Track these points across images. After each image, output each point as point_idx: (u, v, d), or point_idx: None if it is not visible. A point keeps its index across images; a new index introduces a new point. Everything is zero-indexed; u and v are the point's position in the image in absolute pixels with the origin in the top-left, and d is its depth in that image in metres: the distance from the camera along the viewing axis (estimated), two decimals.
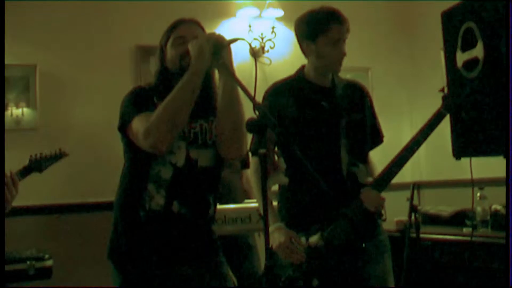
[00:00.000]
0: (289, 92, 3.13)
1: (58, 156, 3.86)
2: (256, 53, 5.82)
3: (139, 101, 2.58)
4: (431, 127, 2.96)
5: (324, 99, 3.10)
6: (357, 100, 3.19)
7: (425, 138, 2.98)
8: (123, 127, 2.56)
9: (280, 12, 5.87)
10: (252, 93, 2.23)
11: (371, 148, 3.23)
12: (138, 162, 2.58)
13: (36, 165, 3.73)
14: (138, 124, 2.47)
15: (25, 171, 3.67)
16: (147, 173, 2.54)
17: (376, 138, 3.24)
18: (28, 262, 4.16)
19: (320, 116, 3.08)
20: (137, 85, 2.71)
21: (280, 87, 3.18)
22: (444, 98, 2.93)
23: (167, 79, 2.63)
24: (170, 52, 2.64)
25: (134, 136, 2.50)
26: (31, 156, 3.72)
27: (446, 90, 2.93)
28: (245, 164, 4.34)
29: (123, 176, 2.67)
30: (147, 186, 2.53)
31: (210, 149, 2.64)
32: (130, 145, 2.58)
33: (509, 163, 2.61)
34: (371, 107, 3.25)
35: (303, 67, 3.19)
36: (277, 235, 2.94)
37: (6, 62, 5.03)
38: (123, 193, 2.65)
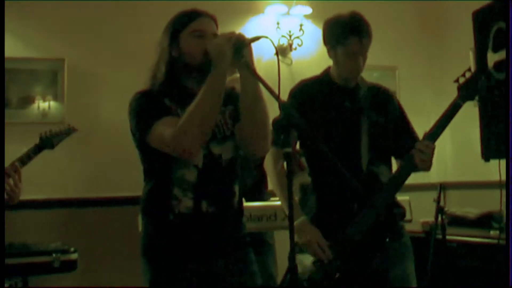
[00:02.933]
0: (314, 91, 3.13)
1: (68, 132, 3.88)
2: (283, 51, 5.83)
3: (152, 106, 2.50)
4: (447, 119, 2.94)
5: (347, 100, 3.10)
6: (380, 102, 3.16)
7: (441, 130, 2.95)
8: (144, 137, 2.47)
9: (308, 10, 5.85)
10: (277, 92, 2.20)
11: (408, 150, 3.17)
12: (160, 168, 2.53)
13: (47, 142, 3.76)
14: (162, 131, 2.40)
15: (37, 149, 3.70)
16: (171, 178, 2.50)
17: (411, 140, 3.20)
18: (53, 255, 4.18)
19: (342, 116, 3.07)
20: (141, 89, 2.59)
21: (306, 85, 3.18)
22: (460, 88, 2.90)
23: (176, 73, 2.55)
24: (188, 44, 2.54)
25: (158, 143, 2.43)
26: (41, 133, 3.74)
27: (460, 81, 2.89)
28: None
29: (146, 182, 2.63)
30: (172, 191, 2.50)
31: (230, 141, 2.60)
32: (149, 153, 2.52)
33: (510, 165, 2.58)
34: (401, 110, 3.22)
35: (329, 67, 3.19)
36: (303, 232, 2.93)
37: (34, 55, 5.10)
38: (148, 200, 2.61)
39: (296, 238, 2.91)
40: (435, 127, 2.96)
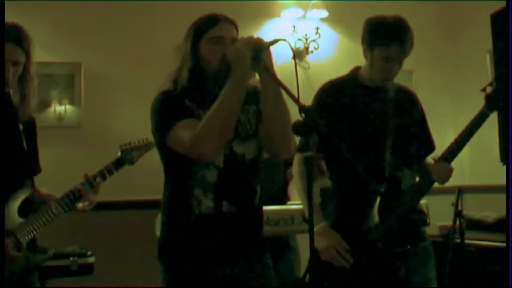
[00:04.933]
0: (342, 92, 3.11)
1: (148, 147, 3.73)
2: (299, 55, 5.83)
3: (173, 108, 2.50)
4: (474, 128, 2.93)
5: (375, 100, 3.08)
6: (407, 106, 3.15)
7: (467, 139, 2.95)
8: (163, 138, 2.48)
9: (324, 13, 5.84)
10: (296, 95, 2.20)
11: (424, 156, 3.18)
12: (181, 169, 2.53)
13: (127, 157, 3.64)
14: (181, 133, 2.40)
15: (119, 164, 3.59)
16: (191, 178, 2.50)
17: (428, 146, 3.20)
18: (71, 258, 4.20)
19: (369, 117, 3.05)
20: (163, 90, 2.58)
21: (334, 86, 3.16)
22: (487, 98, 2.88)
23: (199, 78, 2.55)
24: (206, 51, 2.54)
25: (177, 145, 2.44)
26: (121, 146, 3.63)
27: (488, 90, 2.88)
28: (289, 163, 4.31)
29: (167, 183, 2.63)
30: (193, 191, 2.50)
31: (253, 140, 2.60)
32: (170, 154, 2.52)
33: (510, 168, 2.56)
34: (423, 115, 3.22)
35: (358, 68, 3.16)
36: (323, 238, 2.92)
37: (51, 59, 5.11)
38: (169, 200, 2.61)
39: (315, 244, 2.92)
40: (461, 137, 2.97)
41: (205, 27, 2.57)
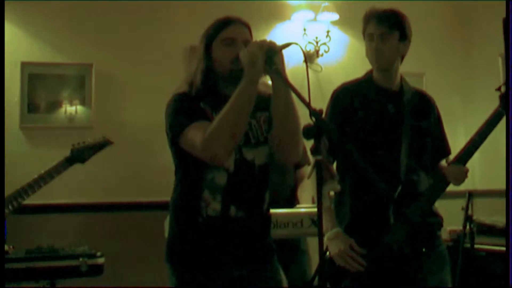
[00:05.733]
0: (357, 94, 3.11)
1: (103, 145, 3.70)
2: (309, 58, 5.82)
3: (187, 109, 2.52)
4: (489, 127, 2.93)
5: (391, 103, 3.08)
6: (424, 109, 3.15)
7: (483, 139, 2.95)
8: (176, 138, 2.51)
9: (335, 16, 5.84)
10: (307, 99, 2.20)
11: (438, 160, 3.18)
12: (192, 170, 2.55)
13: (78, 156, 3.60)
14: (193, 135, 2.42)
15: (68, 163, 3.56)
16: (201, 180, 2.51)
17: (443, 150, 3.20)
18: (80, 259, 4.20)
19: (384, 119, 3.05)
20: (179, 91, 2.62)
21: (349, 87, 3.17)
22: (502, 97, 2.88)
23: (213, 80, 2.57)
24: (218, 52, 2.57)
25: (190, 147, 2.45)
26: (73, 145, 3.60)
27: (503, 89, 2.87)
28: (298, 165, 4.32)
29: (177, 183, 2.65)
30: (202, 193, 2.51)
31: (264, 147, 2.61)
32: (182, 154, 2.54)
33: (510, 171, 2.55)
34: (439, 119, 3.21)
35: (371, 70, 3.17)
36: (336, 242, 2.92)
37: (62, 60, 5.14)
38: (178, 201, 2.63)
39: (329, 249, 2.91)
40: (476, 136, 2.96)
41: (218, 29, 2.59)
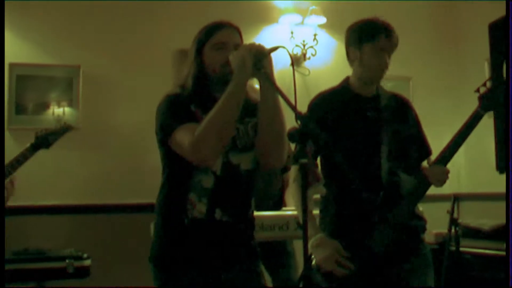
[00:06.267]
0: (334, 102, 3.12)
1: (64, 130, 3.88)
2: (296, 61, 5.84)
3: (178, 111, 2.53)
4: (469, 128, 2.95)
5: (369, 109, 3.09)
6: (401, 112, 3.17)
7: (463, 139, 2.97)
8: (165, 139, 2.53)
9: (322, 19, 5.86)
10: (293, 103, 2.22)
11: (420, 161, 3.20)
12: (179, 172, 2.56)
13: (43, 141, 3.77)
14: (182, 137, 2.43)
15: (33, 148, 3.71)
16: (188, 182, 2.53)
17: (424, 151, 3.22)
18: (67, 261, 4.20)
19: (363, 125, 3.07)
20: (171, 92, 2.65)
21: (326, 96, 3.18)
22: (481, 98, 2.90)
23: (204, 84, 2.59)
24: (208, 56, 2.59)
25: (178, 148, 2.47)
26: (36, 132, 3.75)
27: (481, 90, 2.90)
28: (285, 168, 4.33)
29: (163, 184, 2.66)
30: (188, 195, 2.53)
31: (250, 152, 2.62)
32: (170, 155, 2.56)
33: (510, 172, 2.57)
34: (417, 121, 3.24)
35: (348, 78, 3.19)
36: (322, 248, 2.92)
37: (50, 62, 5.12)
38: (164, 202, 2.63)
39: (314, 256, 2.92)
40: (456, 137, 2.98)
41: (209, 34, 2.61)
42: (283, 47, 2.39)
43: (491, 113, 2.93)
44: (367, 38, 3.04)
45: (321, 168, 3.15)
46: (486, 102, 2.90)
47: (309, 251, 2.89)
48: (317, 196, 3.11)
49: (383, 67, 3.07)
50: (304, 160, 2.06)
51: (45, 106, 5.14)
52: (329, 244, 2.93)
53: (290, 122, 2.31)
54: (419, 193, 3.01)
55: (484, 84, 2.92)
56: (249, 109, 2.57)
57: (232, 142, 2.56)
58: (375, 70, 3.08)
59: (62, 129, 3.89)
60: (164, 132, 2.53)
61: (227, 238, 2.57)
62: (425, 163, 3.17)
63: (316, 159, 3.11)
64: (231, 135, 2.49)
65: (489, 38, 3.01)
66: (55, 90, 5.18)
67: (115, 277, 4.86)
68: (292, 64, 2.34)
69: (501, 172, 2.96)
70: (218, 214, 2.53)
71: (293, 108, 2.19)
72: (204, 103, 2.53)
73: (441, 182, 2.99)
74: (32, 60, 5.11)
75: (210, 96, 2.56)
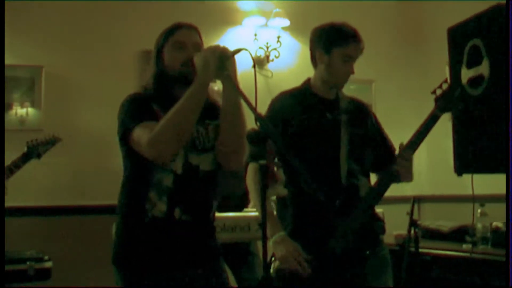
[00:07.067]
0: (295, 103, 3.15)
1: (53, 141, 3.94)
2: (260, 63, 5.86)
3: (139, 109, 2.56)
4: (426, 129, 2.99)
5: (328, 111, 3.12)
6: (360, 116, 3.21)
7: (420, 140, 3.00)
8: (125, 136, 2.55)
9: (286, 22, 5.90)
10: (254, 104, 2.24)
11: (386, 163, 3.21)
12: (139, 170, 2.58)
13: (34, 151, 3.80)
14: (141, 134, 2.45)
15: (25, 158, 3.73)
16: (149, 181, 2.54)
17: (388, 153, 3.24)
18: (28, 263, 4.17)
19: (322, 127, 3.10)
20: (134, 91, 2.68)
21: (286, 97, 3.20)
22: (437, 100, 2.95)
23: (164, 84, 2.63)
24: (168, 56, 2.63)
25: (136, 145, 2.49)
26: (27, 142, 3.77)
27: (438, 92, 2.94)
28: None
29: (124, 183, 2.67)
30: (148, 194, 2.54)
31: (210, 153, 2.65)
32: (130, 154, 2.57)
33: (509, 177, 2.62)
34: (378, 124, 3.27)
35: (309, 79, 3.21)
36: (282, 247, 2.95)
37: (13, 62, 5.07)
38: (125, 201, 2.65)
39: (275, 253, 2.94)
40: (414, 138, 3.01)
41: (168, 34, 2.66)
42: (246, 50, 2.42)
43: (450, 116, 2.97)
44: (337, 43, 3.06)
45: (283, 170, 3.18)
46: (443, 103, 2.94)
47: (271, 248, 2.92)
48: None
49: (350, 73, 3.11)
50: (263, 161, 2.08)
51: (8, 106, 5.09)
52: (290, 243, 2.96)
53: (252, 124, 2.33)
54: (378, 192, 3.03)
55: (440, 86, 2.97)
56: (211, 111, 2.61)
57: (192, 143, 2.59)
58: (342, 76, 3.11)
59: (52, 140, 3.94)
60: (124, 130, 2.55)
61: (187, 237, 2.58)
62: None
63: (276, 160, 3.14)
64: (189, 135, 2.52)
65: (448, 43, 3.04)
66: (18, 91, 5.15)
67: (77, 279, 4.83)
68: (254, 66, 2.35)
69: (459, 174, 3.00)
70: (177, 213, 2.55)
71: (253, 109, 2.21)
72: (165, 102, 2.55)
73: (407, 163, 3.00)
74: None
75: (171, 95, 2.58)
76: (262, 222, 2.10)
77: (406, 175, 3.01)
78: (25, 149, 3.74)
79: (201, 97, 2.44)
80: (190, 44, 2.61)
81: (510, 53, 2.61)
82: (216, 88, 3.31)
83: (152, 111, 2.55)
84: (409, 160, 3.00)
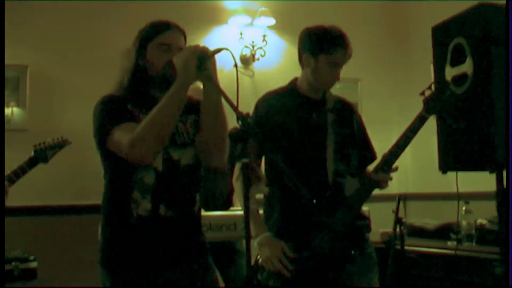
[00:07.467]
0: (281, 103, 3.15)
1: (62, 144, 3.85)
2: (245, 62, 5.86)
3: (115, 111, 2.53)
4: (413, 131, 2.98)
5: (314, 111, 3.13)
6: (346, 116, 3.22)
7: (407, 142, 3.00)
8: (102, 140, 2.52)
9: (272, 21, 5.90)
10: (235, 103, 2.23)
11: (365, 165, 3.23)
12: (120, 172, 2.56)
13: (42, 155, 3.72)
14: (120, 136, 2.43)
15: (32, 162, 3.66)
16: (130, 180, 2.53)
17: (368, 155, 3.26)
18: (13, 263, 4.15)
19: (309, 126, 3.10)
20: (106, 94, 2.65)
21: (273, 97, 3.21)
22: (426, 101, 2.95)
23: (142, 83, 2.60)
24: (153, 56, 2.60)
25: (115, 147, 2.47)
26: (35, 146, 3.70)
27: (426, 93, 2.95)
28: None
29: (106, 186, 2.65)
30: (132, 194, 2.52)
31: (190, 148, 2.64)
32: (109, 157, 2.55)
33: (510, 172, 2.63)
34: (361, 125, 3.28)
35: (295, 79, 3.21)
36: (266, 247, 2.96)
37: None
38: (108, 203, 2.63)
39: (259, 254, 2.95)
40: (401, 141, 3.00)
41: (155, 32, 2.63)
42: (227, 49, 2.40)
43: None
44: (324, 49, 3.05)
45: (265, 168, 3.18)
46: (431, 105, 2.94)
47: (255, 249, 2.92)
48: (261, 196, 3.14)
49: (336, 79, 3.11)
50: (245, 160, 2.08)
51: None
52: (275, 243, 2.97)
53: (233, 123, 2.34)
54: (363, 196, 3.05)
55: (430, 87, 2.97)
56: (188, 106, 2.58)
57: (171, 138, 2.57)
58: (327, 82, 3.12)
59: (60, 143, 3.86)
60: (101, 134, 2.52)
61: (174, 233, 2.58)
62: (370, 167, 3.20)
63: (259, 159, 3.14)
64: (169, 135, 2.50)
65: (432, 42, 3.06)
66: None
67: (63, 279, 4.81)
68: (236, 66, 2.34)
69: (443, 172, 3.02)
70: (162, 210, 2.54)
71: (235, 108, 2.21)
72: (141, 102, 2.55)
73: (383, 186, 3.04)
74: None
75: (148, 95, 2.58)
76: (245, 221, 2.10)
77: (385, 186, 3.05)
78: (32, 153, 3.67)
79: (181, 98, 2.43)
80: (175, 47, 2.59)
81: (510, 53, 2.63)
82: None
83: (128, 112, 2.54)
84: (385, 185, 3.03)
